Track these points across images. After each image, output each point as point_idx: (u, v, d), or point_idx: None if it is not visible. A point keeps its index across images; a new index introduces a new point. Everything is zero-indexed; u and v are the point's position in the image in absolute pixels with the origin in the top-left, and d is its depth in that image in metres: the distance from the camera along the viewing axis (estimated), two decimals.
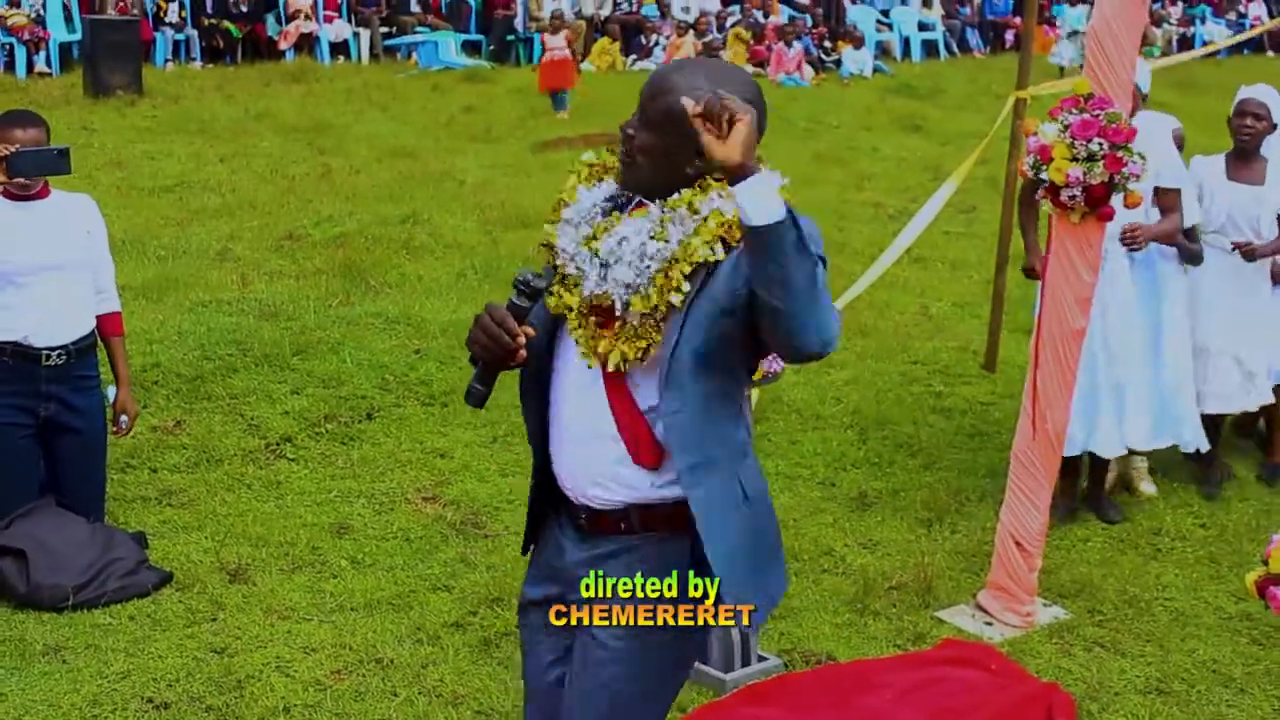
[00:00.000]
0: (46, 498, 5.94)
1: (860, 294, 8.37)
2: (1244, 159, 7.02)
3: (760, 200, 2.88)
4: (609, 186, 3.27)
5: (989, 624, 5.72)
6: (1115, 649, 5.57)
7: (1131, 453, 6.85)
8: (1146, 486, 7.10)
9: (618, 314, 3.16)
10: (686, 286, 3.08)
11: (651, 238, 3.10)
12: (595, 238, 3.17)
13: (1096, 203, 5.32)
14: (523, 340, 3.16)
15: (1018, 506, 5.73)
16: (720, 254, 3.08)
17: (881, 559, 6.27)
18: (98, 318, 6.01)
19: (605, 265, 3.13)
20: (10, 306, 5.76)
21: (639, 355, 3.15)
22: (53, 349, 5.81)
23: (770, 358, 5.04)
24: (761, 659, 5.30)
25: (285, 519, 6.44)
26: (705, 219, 3.08)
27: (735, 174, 2.88)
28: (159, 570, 5.83)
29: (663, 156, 3.13)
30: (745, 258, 2.97)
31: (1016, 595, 5.74)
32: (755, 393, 7.54)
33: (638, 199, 3.20)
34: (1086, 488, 6.82)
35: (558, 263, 3.25)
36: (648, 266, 3.09)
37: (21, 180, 5.63)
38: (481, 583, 5.85)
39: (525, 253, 10.84)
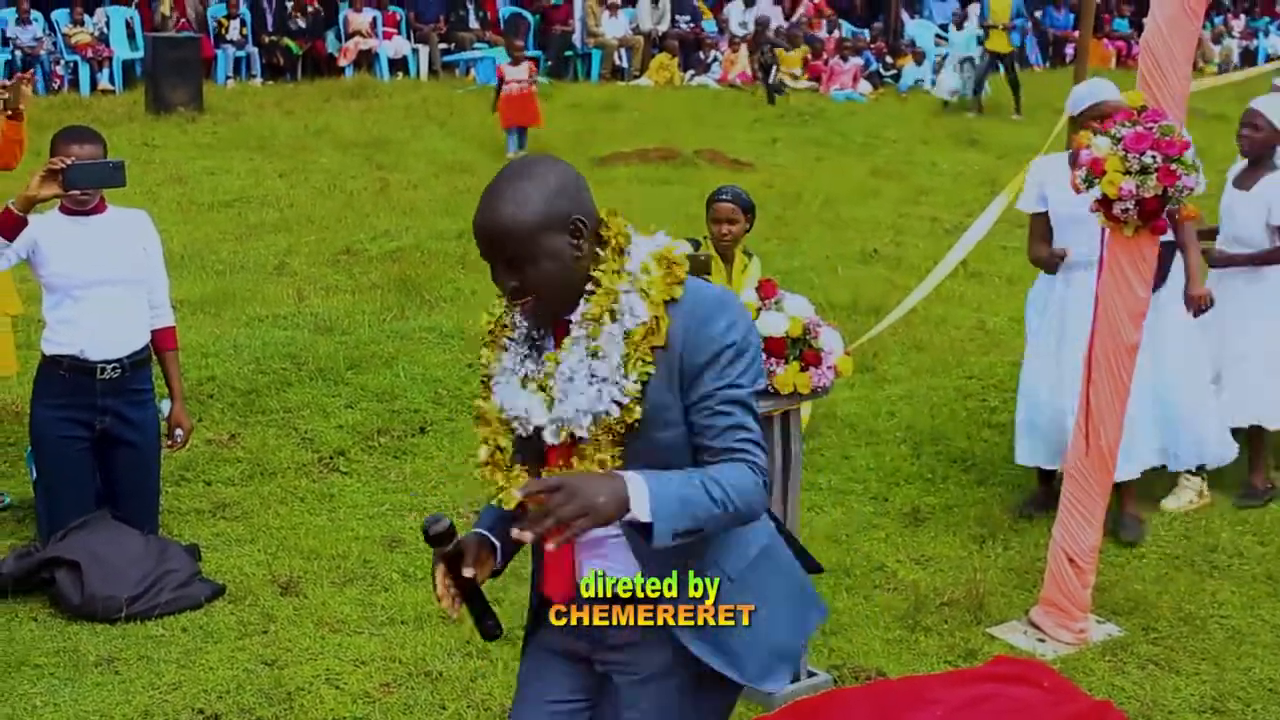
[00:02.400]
0: (102, 510, 6.00)
1: (916, 308, 8.35)
2: (1251, 168, 7.11)
3: (639, 504, 2.82)
4: (519, 333, 3.17)
5: (1041, 641, 5.67)
6: (1170, 667, 5.51)
7: None
8: (1173, 501, 7.04)
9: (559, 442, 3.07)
10: (639, 410, 2.98)
11: (592, 357, 3.01)
12: (544, 387, 3.07)
13: (1150, 216, 5.27)
14: (475, 574, 3.12)
15: (1070, 522, 5.68)
16: (652, 368, 3.00)
17: (933, 575, 6.23)
18: (152, 333, 6.06)
19: (553, 404, 3.05)
20: (67, 320, 5.83)
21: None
22: (108, 363, 5.87)
23: (819, 371, 5.04)
24: (811, 674, 5.28)
25: (337, 532, 6.47)
26: (631, 335, 2.99)
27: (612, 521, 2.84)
28: (212, 582, 5.87)
29: (558, 275, 3.02)
30: None
31: (1069, 612, 5.69)
32: (808, 407, 7.53)
33: (552, 331, 3.13)
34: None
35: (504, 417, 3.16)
36: (600, 390, 3.00)
37: (77, 193, 5.68)
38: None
39: None
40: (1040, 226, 6.73)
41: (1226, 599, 6.09)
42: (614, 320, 3.01)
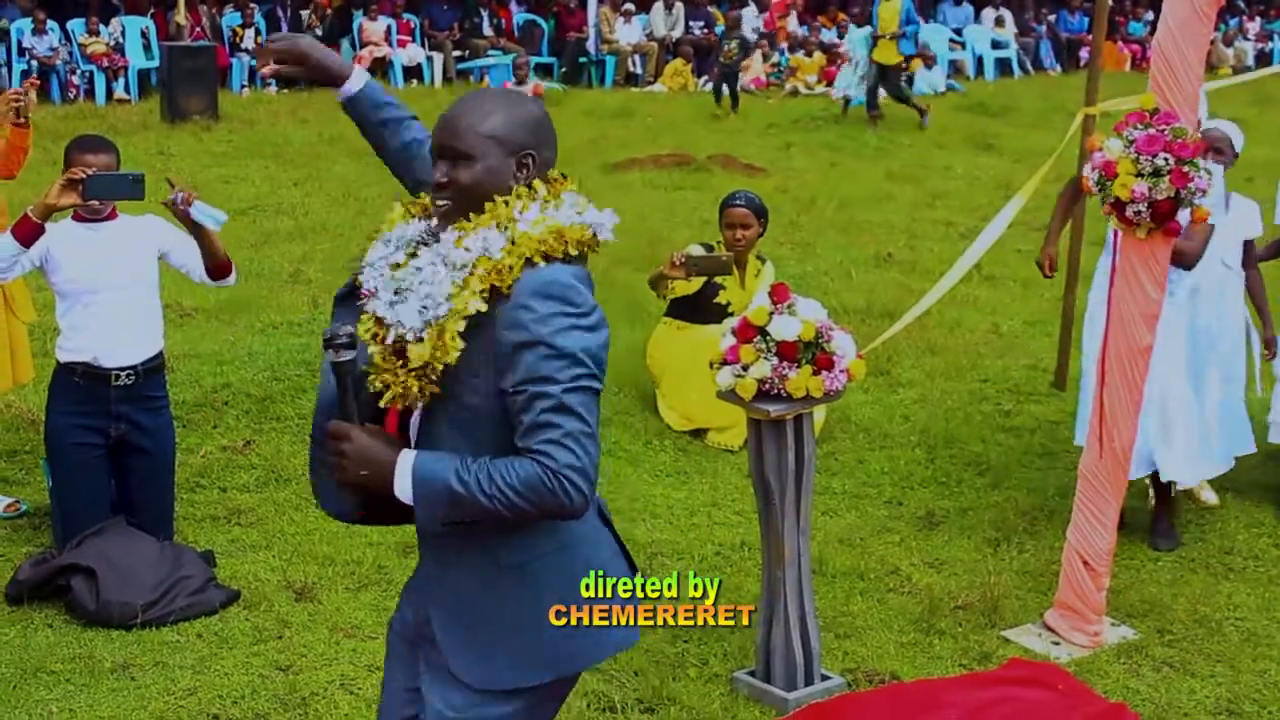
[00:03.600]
0: (117, 517, 6.01)
1: (930, 312, 8.34)
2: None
3: (401, 488, 2.96)
4: (425, 224, 3.19)
5: (1056, 644, 5.66)
6: (1185, 669, 5.50)
7: None
8: (1208, 495, 7.03)
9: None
10: (460, 345, 2.98)
11: (443, 263, 3.02)
12: (399, 266, 3.10)
13: (1163, 218, 5.27)
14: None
15: (1085, 525, 5.67)
16: (484, 306, 2.98)
17: (948, 578, 6.22)
18: (213, 267, 6.03)
19: (397, 297, 3.06)
20: (79, 327, 5.85)
21: (409, 403, 3.11)
22: (122, 369, 5.89)
23: (831, 375, 5.04)
24: (825, 678, 5.28)
25: (352, 538, 6.47)
26: (474, 266, 2.98)
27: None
28: (227, 588, 5.88)
29: (482, 188, 3.06)
30: None
31: (1084, 615, 5.68)
32: (822, 411, 7.54)
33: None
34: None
35: (362, 292, 3.18)
36: (424, 310, 3.00)
37: (95, 203, 5.71)
38: None
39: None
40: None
41: (1242, 601, 6.08)
42: (469, 245, 2.99)
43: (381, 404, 3.10)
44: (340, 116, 13.59)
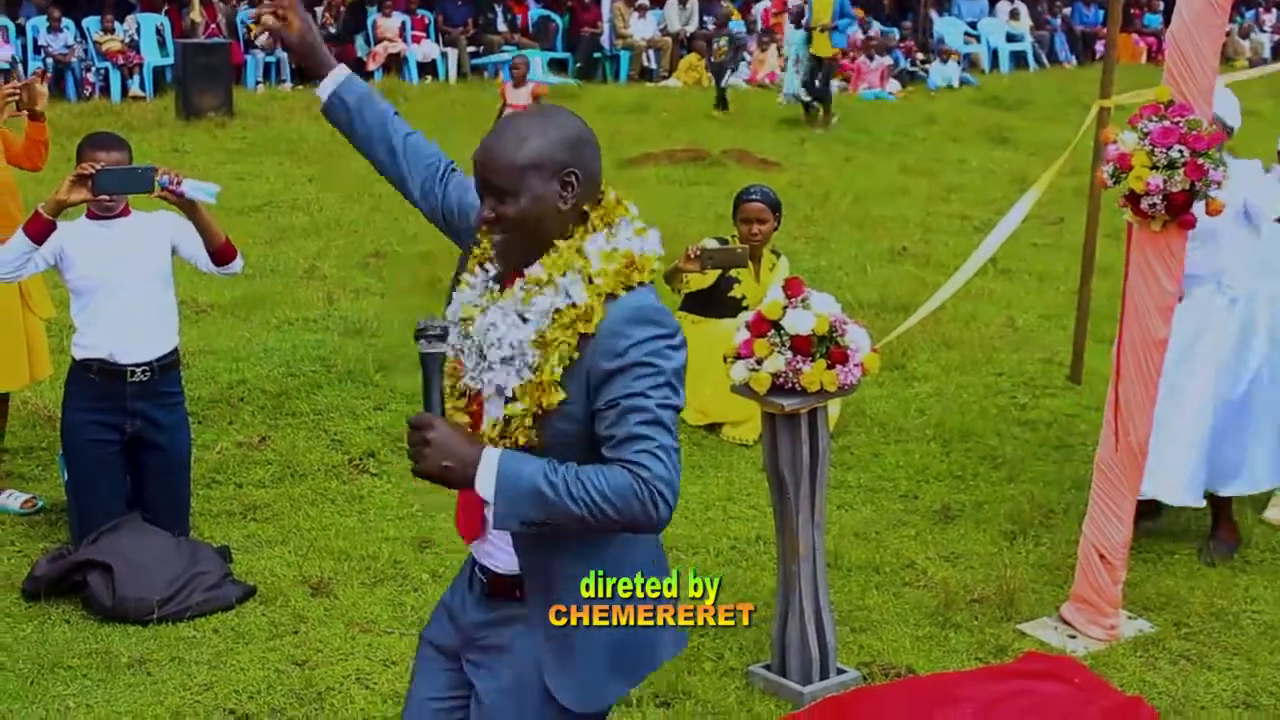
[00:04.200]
0: (133, 513, 6.02)
1: (945, 306, 8.32)
2: None
3: (484, 484, 2.88)
4: (485, 274, 3.17)
5: (1072, 637, 5.65)
6: (1202, 662, 5.49)
7: None
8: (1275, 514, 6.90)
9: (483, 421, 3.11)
10: (562, 394, 2.98)
11: (519, 319, 3.02)
12: (469, 319, 3.11)
13: (1177, 211, 5.25)
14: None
15: (1101, 519, 5.66)
16: (576, 354, 2.98)
17: (963, 572, 6.22)
18: (215, 251, 5.99)
19: (481, 354, 3.07)
20: (94, 324, 5.87)
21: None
22: (137, 366, 5.90)
23: (845, 369, 5.04)
24: (840, 672, 5.27)
25: (368, 533, 6.49)
26: (560, 315, 2.98)
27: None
28: (242, 584, 5.89)
29: (532, 219, 3.03)
30: None
31: (1100, 608, 5.67)
32: (837, 405, 7.53)
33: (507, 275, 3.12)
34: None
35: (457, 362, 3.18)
36: (516, 365, 3.02)
37: (105, 198, 5.71)
38: None
39: None
40: None
41: (1259, 594, 6.06)
42: (547, 293, 3.00)
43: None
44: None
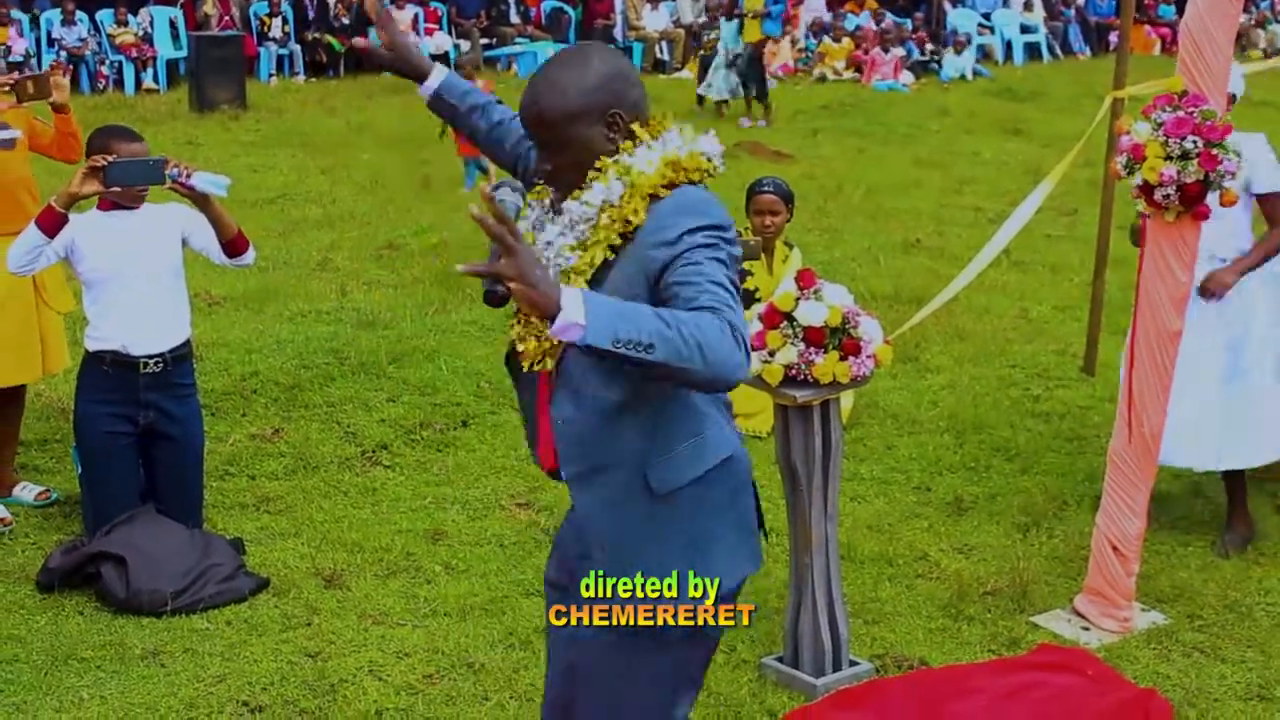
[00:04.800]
0: (146, 505, 6.04)
1: (958, 298, 8.31)
2: None
3: (570, 331, 2.73)
4: (544, 205, 3.28)
5: (1086, 629, 5.64)
6: (1215, 654, 5.47)
7: None
8: None
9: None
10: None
11: (569, 229, 3.13)
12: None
13: (1191, 201, 5.23)
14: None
15: (1114, 510, 5.65)
16: (611, 255, 3.06)
17: (977, 564, 6.21)
18: (227, 243, 6.00)
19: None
20: (107, 316, 5.88)
21: (541, 356, 3.19)
22: (150, 357, 5.91)
23: (858, 360, 5.03)
24: (853, 664, 5.27)
25: (380, 525, 6.49)
26: (599, 217, 3.07)
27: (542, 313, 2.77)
28: (256, 576, 5.90)
29: (583, 162, 3.13)
30: None
31: (1114, 600, 5.66)
32: (849, 397, 7.53)
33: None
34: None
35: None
36: (559, 269, 3.10)
37: (118, 189, 5.72)
38: None
39: None
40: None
41: (1273, 586, 6.04)
42: (590, 200, 3.08)
43: (525, 367, 3.22)
44: (367, 104, 13.68)
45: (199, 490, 6.30)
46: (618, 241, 3.04)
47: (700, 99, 19.60)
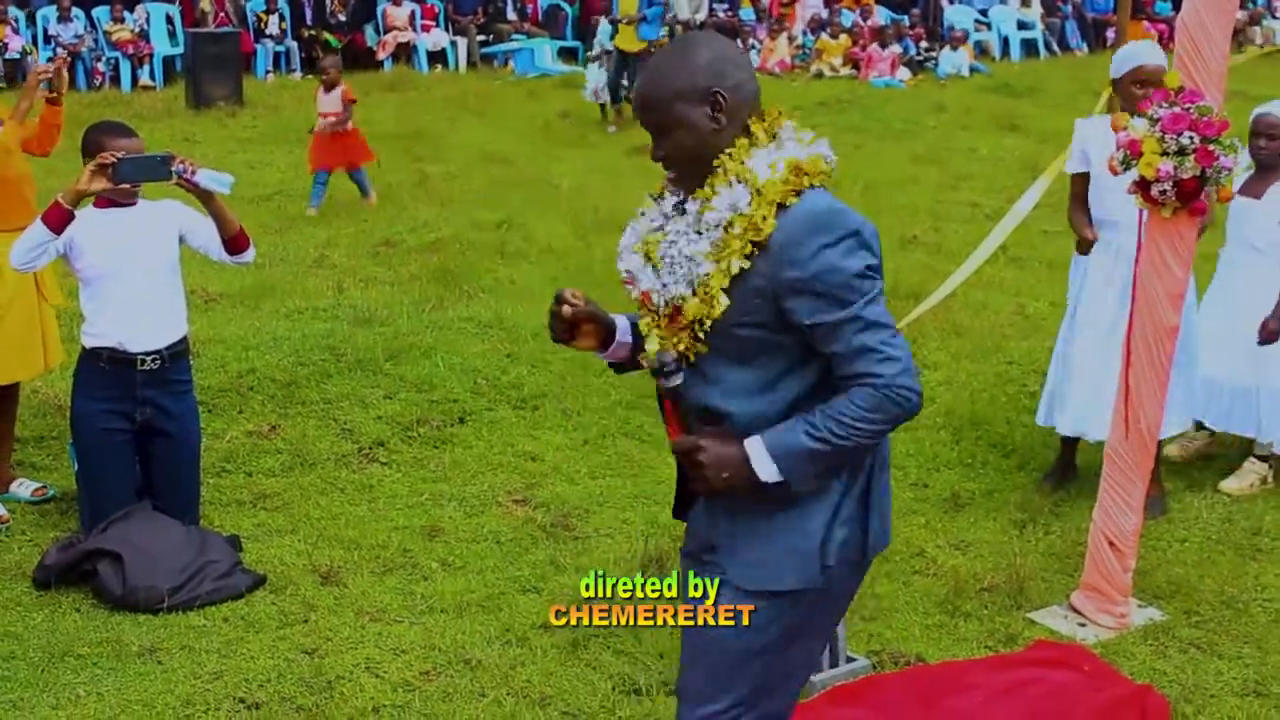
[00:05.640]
0: (143, 502, 6.03)
1: (955, 294, 8.31)
2: (1260, 175, 6.98)
3: (765, 471, 3.13)
4: (667, 202, 3.35)
5: (1082, 625, 5.65)
6: (1212, 650, 5.48)
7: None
8: (1232, 483, 7.02)
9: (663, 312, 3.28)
10: (725, 301, 3.13)
11: (696, 234, 3.18)
12: (650, 245, 3.29)
13: (1188, 197, 5.23)
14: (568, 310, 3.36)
15: (1110, 506, 5.65)
16: (747, 264, 3.12)
17: (973, 560, 6.21)
18: (228, 240, 6.01)
19: (658, 270, 3.25)
20: (105, 313, 5.87)
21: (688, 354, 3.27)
22: (147, 354, 5.91)
23: None
24: (850, 660, 5.26)
25: (377, 522, 6.49)
26: (729, 225, 3.12)
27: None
28: (253, 573, 5.90)
29: (692, 147, 3.19)
30: None
31: (1110, 596, 5.66)
32: None
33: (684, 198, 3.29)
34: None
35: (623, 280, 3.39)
36: (689, 274, 3.17)
37: (126, 186, 5.72)
38: (570, 585, 5.86)
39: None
40: (1079, 187, 6.67)
41: (1270, 582, 6.05)
42: (717, 206, 3.14)
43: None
44: (363, 101, 13.54)
45: (195, 487, 6.29)
46: (751, 250, 3.10)
47: (602, 107, 18.86)
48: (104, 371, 5.92)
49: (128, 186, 5.75)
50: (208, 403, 7.41)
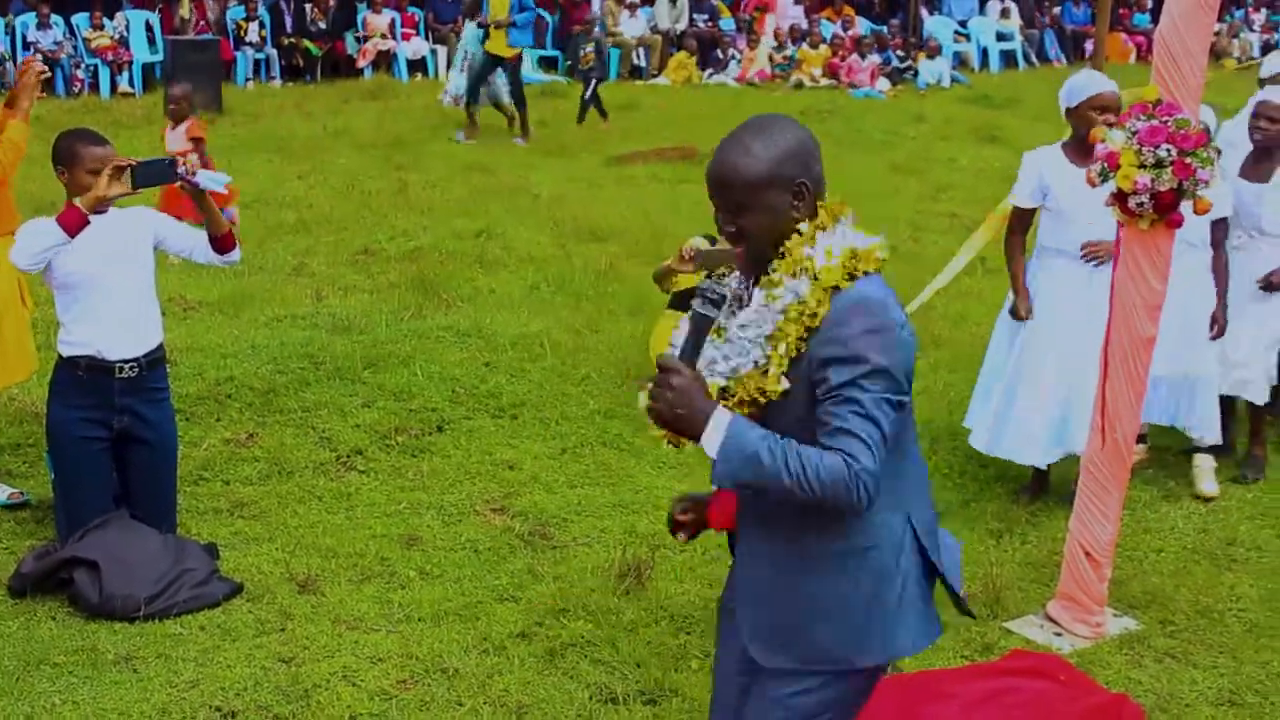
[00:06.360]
0: (120, 510, 6.02)
1: (934, 305, 8.33)
2: (1259, 159, 7.19)
3: (709, 442, 3.13)
4: (732, 290, 3.39)
5: (1058, 635, 5.67)
6: (1187, 660, 5.50)
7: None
8: (1208, 486, 7.05)
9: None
10: (785, 384, 3.19)
11: (747, 324, 3.27)
12: (722, 330, 3.33)
13: (1165, 209, 5.26)
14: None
15: (1087, 516, 5.67)
16: (804, 347, 3.19)
17: None
18: (215, 240, 6.04)
19: (729, 350, 3.30)
20: (83, 321, 5.85)
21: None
22: (125, 362, 5.90)
23: None
24: None
25: (355, 530, 6.48)
26: (789, 311, 3.18)
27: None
28: (230, 581, 5.88)
29: (767, 229, 3.26)
30: None
31: (1086, 606, 5.68)
32: None
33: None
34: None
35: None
36: (753, 357, 3.24)
37: (138, 193, 5.72)
38: (548, 593, 5.86)
39: (598, 266, 10.87)
40: (1023, 221, 6.88)
41: (1244, 592, 6.07)
42: (783, 292, 3.20)
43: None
44: (343, 109, 13.58)
45: (173, 495, 6.28)
46: (804, 334, 3.16)
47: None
48: (81, 379, 5.90)
49: (142, 191, 5.75)
50: (185, 411, 7.39)
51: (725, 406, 3.19)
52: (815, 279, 3.17)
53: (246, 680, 5.18)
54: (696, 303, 3.22)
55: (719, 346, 3.30)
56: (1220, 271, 7.04)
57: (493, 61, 17.07)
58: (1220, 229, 6.97)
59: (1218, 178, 5.39)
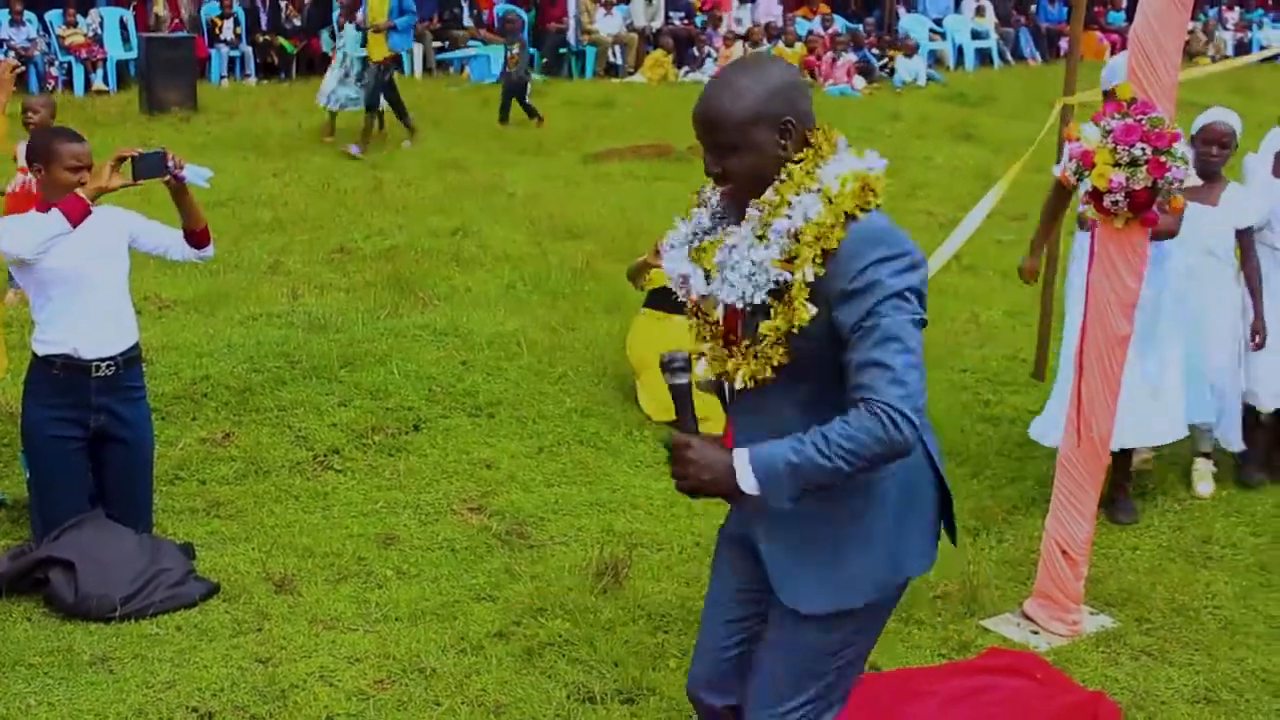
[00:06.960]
0: (96, 510, 5.99)
1: None
2: (1207, 183, 6.95)
3: (747, 482, 3.16)
4: (710, 208, 3.45)
5: (1035, 633, 5.68)
6: (1163, 658, 5.52)
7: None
8: (1205, 489, 7.07)
9: (740, 334, 3.37)
10: (813, 309, 3.19)
11: (758, 240, 3.25)
12: (704, 251, 3.36)
13: (1140, 208, 5.27)
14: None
15: (1063, 514, 5.68)
16: (821, 270, 3.20)
17: None
18: (192, 234, 6.11)
19: (719, 274, 3.31)
20: (60, 319, 5.82)
21: (765, 373, 3.33)
22: (102, 360, 5.87)
23: None
24: None
25: (332, 530, 6.47)
26: (803, 233, 3.18)
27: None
28: (206, 581, 5.86)
29: (754, 167, 3.27)
30: None
31: (1063, 604, 5.70)
32: None
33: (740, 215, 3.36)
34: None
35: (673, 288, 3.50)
36: (753, 277, 3.24)
37: (139, 185, 5.71)
38: (525, 593, 5.85)
39: (575, 264, 10.87)
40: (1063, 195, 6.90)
41: (1220, 590, 6.10)
42: (788, 214, 3.20)
43: (738, 386, 3.39)
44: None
45: (148, 494, 6.26)
46: (820, 257, 3.17)
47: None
48: (57, 379, 5.87)
49: (142, 183, 5.75)
50: (161, 410, 7.36)
51: (759, 350, 3.25)
52: (830, 202, 3.19)
53: (223, 681, 5.16)
54: (667, 377, 3.28)
55: (709, 279, 3.36)
56: (1254, 280, 7.01)
57: (377, 67, 16.24)
58: (1248, 237, 6.96)
59: (1190, 176, 5.40)
